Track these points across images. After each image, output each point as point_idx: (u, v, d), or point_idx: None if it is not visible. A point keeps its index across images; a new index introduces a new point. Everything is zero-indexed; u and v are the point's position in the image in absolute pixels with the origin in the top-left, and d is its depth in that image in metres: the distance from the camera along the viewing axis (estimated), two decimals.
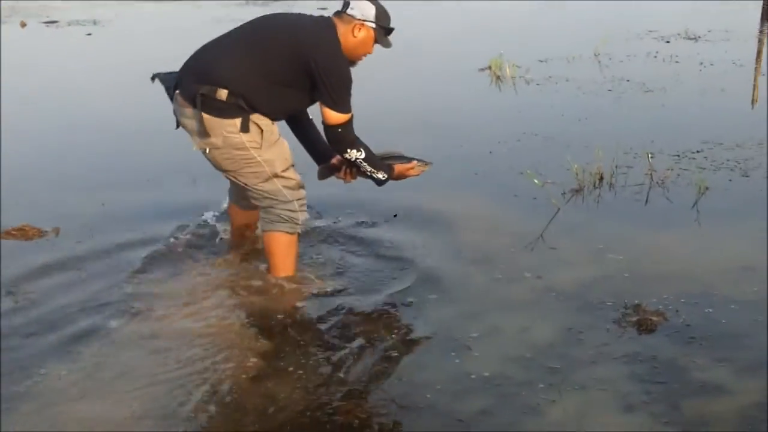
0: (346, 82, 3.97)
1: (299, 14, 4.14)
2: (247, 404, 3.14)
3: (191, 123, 3.96)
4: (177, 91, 4.00)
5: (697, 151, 6.31)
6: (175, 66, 4.21)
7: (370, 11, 4.00)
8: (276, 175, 4.03)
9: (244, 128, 3.90)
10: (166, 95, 4.15)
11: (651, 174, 5.70)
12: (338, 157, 4.28)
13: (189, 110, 3.94)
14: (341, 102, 3.96)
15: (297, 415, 3.07)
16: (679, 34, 12.84)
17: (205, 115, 3.87)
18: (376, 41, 4.07)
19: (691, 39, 12.49)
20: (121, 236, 4.83)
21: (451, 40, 13.51)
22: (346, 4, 4.02)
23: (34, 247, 4.69)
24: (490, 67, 10.21)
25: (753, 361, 3.37)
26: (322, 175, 4.44)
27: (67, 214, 5.22)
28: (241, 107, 3.88)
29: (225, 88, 3.85)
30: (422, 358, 3.47)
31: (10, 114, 8.47)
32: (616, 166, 5.81)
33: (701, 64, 10.31)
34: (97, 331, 3.74)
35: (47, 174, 6.20)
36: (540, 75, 9.90)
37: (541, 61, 10.76)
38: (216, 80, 3.88)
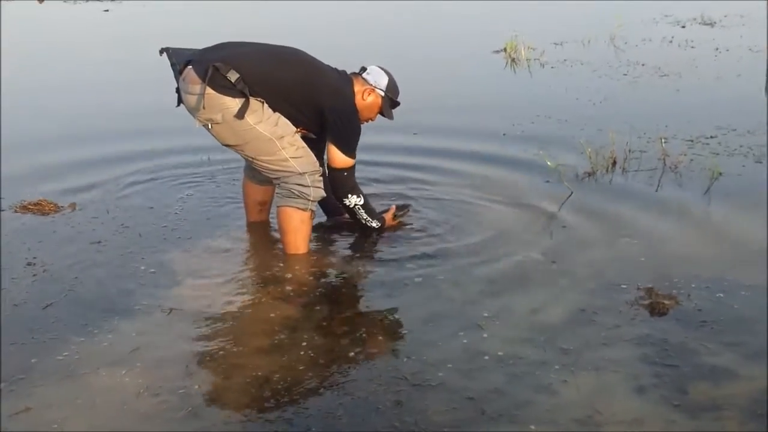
0: (357, 132, 4.23)
1: (326, 64, 4.31)
2: (259, 380, 3.16)
3: (195, 99, 4.02)
4: (189, 66, 4.04)
5: (711, 137, 6.30)
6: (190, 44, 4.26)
7: (383, 81, 4.29)
8: (282, 145, 4.09)
9: (245, 107, 3.99)
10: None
11: (664, 159, 5.70)
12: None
13: (197, 86, 3.99)
14: (351, 147, 4.21)
15: (309, 392, 3.09)
16: (694, 19, 12.78)
17: (209, 89, 3.95)
18: (381, 111, 4.30)
19: (707, 24, 12.43)
20: (137, 212, 4.89)
21: (467, 22, 13.49)
22: (364, 69, 4.33)
23: (52, 222, 4.75)
24: (505, 50, 10.22)
25: (762, 347, 3.37)
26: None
27: (83, 190, 5.27)
28: (244, 93, 3.98)
29: (238, 72, 3.95)
30: (434, 336, 3.48)
31: (23, 91, 8.53)
32: (630, 150, 5.81)
33: (717, 49, 10.27)
34: (114, 303, 3.79)
35: (63, 150, 6.25)
36: (555, 58, 9.89)
37: (556, 44, 10.75)
38: (233, 64, 3.98)
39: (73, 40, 12.04)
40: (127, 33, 12.69)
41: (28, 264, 4.16)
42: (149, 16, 14.84)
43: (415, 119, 6.64)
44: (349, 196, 4.31)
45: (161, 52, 4.17)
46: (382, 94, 4.28)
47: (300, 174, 4.13)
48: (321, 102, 4.12)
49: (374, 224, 4.48)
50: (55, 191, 5.20)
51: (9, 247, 4.38)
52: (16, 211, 4.85)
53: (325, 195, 4.29)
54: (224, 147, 4.26)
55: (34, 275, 4.05)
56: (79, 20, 14.38)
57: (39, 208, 4.88)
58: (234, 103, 3.98)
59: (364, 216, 4.42)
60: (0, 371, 3.21)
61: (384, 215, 4.57)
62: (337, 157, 4.20)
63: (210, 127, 4.09)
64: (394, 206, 4.70)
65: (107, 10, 15.21)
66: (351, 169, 4.27)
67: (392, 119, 4.39)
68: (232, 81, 3.95)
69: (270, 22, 13.19)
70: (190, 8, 15.75)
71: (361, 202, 4.36)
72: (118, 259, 4.26)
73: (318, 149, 4.37)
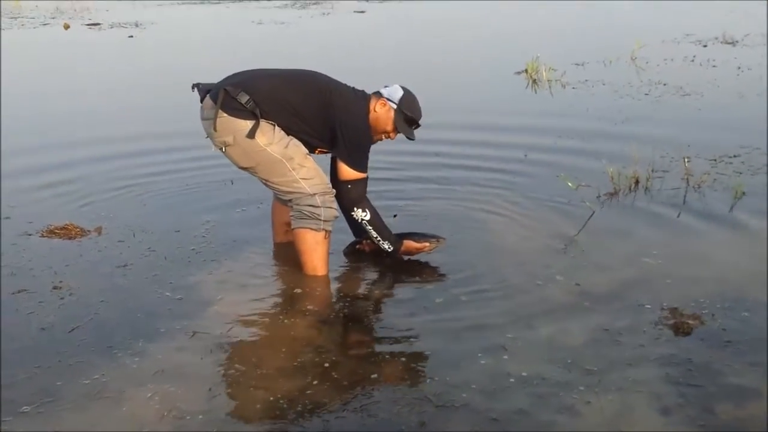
0: (363, 146, 4.23)
1: (344, 84, 4.33)
2: (282, 402, 3.17)
3: (209, 123, 4.13)
4: (207, 95, 4.17)
5: (734, 156, 6.28)
6: (214, 71, 4.32)
7: (397, 94, 4.27)
8: (292, 166, 4.13)
9: (255, 128, 4.07)
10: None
11: (687, 178, 5.68)
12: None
13: (211, 111, 4.11)
14: (356, 160, 4.21)
15: (332, 413, 3.09)
16: (716, 38, 12.76)
17: (221, 112, 4.06)
18: (396, 125, 4.25)
19: (728, 43, 12.41)
20: (163, 235, 4.94)
21: (489, 43, 13.54)
22: (385, 86, 4.32)
23: (78, 246, 4.79)
24: (526, 71, 10.24)
25: None
26: (348, 247, 4.65)
27: (109, 214, 5.33)
28: (255, 114, 4.06)
29: (248, 94, 4.05)
30: (457, 357, 3.48)
31: (49, 116, 8.62)
32: (653, 170, 5.81)
33: (738, 68, 10.25)
34: (139, 326, 3.81)
35: (89, 174, 6.31)
36: (576, 78, 9.90)
37: (577, 65, 10.77)
38: (243, 87, 4.10)
39: (98, 65, 12.18)
40: (149, 58, 12.83)
41: (55, 288, 4.20)
42: (174, 42, 15.00)
43: (436, 138, 6.67)
44: (355, 209, 4.28)
45: (193, 88, 4.30)
46: (394, 106, 4.25)
47: (310, 195, 4.16)
48: (332, 118, 4.15)
49: (385, 246, 4.38)
50: (81, 215, 5.25)
51: (35, 270, 4.42)
52: (43, 236, 4.91)
53: (338, 215, 4.30)
54: (242, 171, 4.31)
55: (61, 299, 4.09)
56: (105, 45, 14.54)
57: (65, 233, 4.93)
58: (245, 125, 4.07)
59: (374, 234, 4.34)
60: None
61: (405, 241, 4.45)
62: (342, 169, 4.22)
63: (224, 150, 4.18)
64: (427, 243, 4.50)
65: (131, 36, 15.37)
66: (357, 182, 4.24)
67: (412, 138, 4.34)
68: (243, 102, 4.05)
69: (287, 47, 13.29)
70: (213, 35, 15.92)
71: (368, 218, 4.29)
72: (143, 282, 4.29)
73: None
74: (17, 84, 10.56)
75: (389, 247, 4.40)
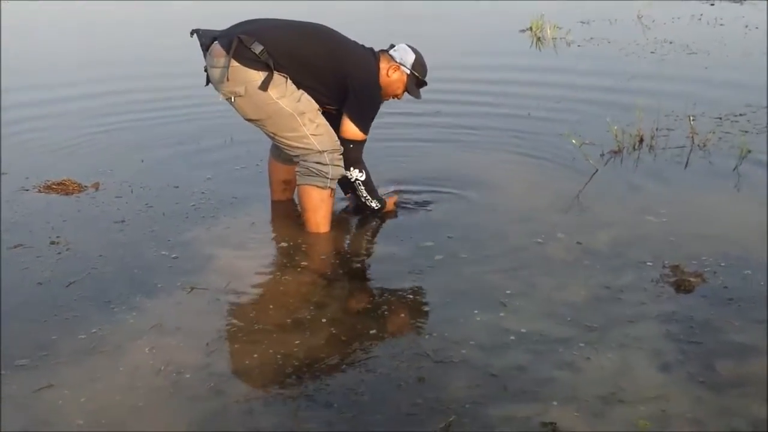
0: (374, 107, 4.21)
1: (353, 40, 4.28)
2: (280, 357, 3.15)
3: (219, 71, 4.02)
4: (215, 41, 4.05)
5: (740, 115, 6.23)
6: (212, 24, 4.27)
7: (409, 58, 4.25)
8: (303, 122, 4.07)
9: (268, 80, 3.99)
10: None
11: (692, 137, 5.63)
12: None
13: (222, 59, 3.99)
14: (364, 121, 4.18)
15: (331, 368, 3.08)
16: None
17: (233, 61, 3.95)
18: (407, 89, 4.25)
19: (736, 2, 12.29)
20: (161, 192, 4.91)
21: (492, 2, 13.41)
22: (392, 46, 4.29)
23: (76, 201, 4.76)
24: (531, 29, 10.16)
25: None
26: None
27: (107, 170, 5.30)
28: (269, 66, 3.97)
29: (262, 44, 3.94)
30: (456, 314, 3.46)
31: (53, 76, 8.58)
32: (657, 129, 5.75)
33: (746, 27, 10.16)
34: (136, 281, 3.80)
35: (90, 132, 6.28)
36: (581, 36, 9.82)
37: (582, 23, 10.69)
38: (258, 37, 3.98)
39: (95, 18, 12.13)
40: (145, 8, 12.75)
41: (52, 243, 4.17)
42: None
43: (439, 98, 6.62)
44: (351, 169, 4.26)
45: (191, 33, 4.19)
46: (408, 71, 4.24)
47: (319, 152, 4.11)
48: (345, 74, 4.09)
49: (373, 204, 4.43)
50: (79, 170, 5.22)
51: (32, 226, 4.40)
52: (40, 191, 4.88)
53: (345, 173, 4.26)
54: (248, 125, 4.26)
55: (58, 254, 4.07)
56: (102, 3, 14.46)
57: (63, 188, 4.90)
58: (258, 76, 3.99)
59: (364, 193, 4.37)
60: None
61: (387, 199, 4.51)
62: (349, 128, 4.18)
63: (233, 100, 4.09)
64: (396, 196, 4.64)
65: None
66: (358, 143, 4.22)
67: (419, 98, 4.34)
68: (257, 53, 3.95)
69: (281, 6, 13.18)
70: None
71: (363, 178, 4.31)
72: (141, 238, 4.26)
73: (337, 125, 4.36)
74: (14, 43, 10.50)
75: (377, 205, 4.44)
